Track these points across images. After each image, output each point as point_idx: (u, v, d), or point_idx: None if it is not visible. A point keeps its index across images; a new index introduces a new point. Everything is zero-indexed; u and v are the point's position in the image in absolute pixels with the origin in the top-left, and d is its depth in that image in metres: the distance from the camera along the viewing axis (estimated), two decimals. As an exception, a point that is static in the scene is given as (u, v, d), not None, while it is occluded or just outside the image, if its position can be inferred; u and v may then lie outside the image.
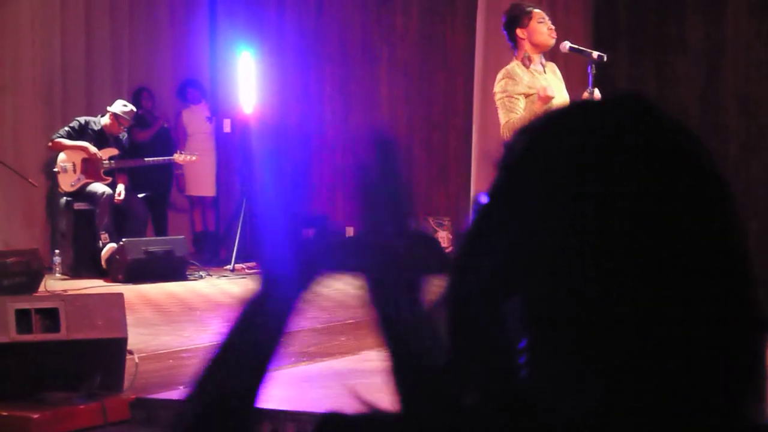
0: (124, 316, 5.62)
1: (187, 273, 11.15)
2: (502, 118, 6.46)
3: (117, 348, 5.55)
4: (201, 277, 11.21)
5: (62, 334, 5.38)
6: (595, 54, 6.44)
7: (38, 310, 5.38)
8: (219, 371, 1.35)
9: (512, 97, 6.41)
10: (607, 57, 6.50)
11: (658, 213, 0.96)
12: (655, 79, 10.34)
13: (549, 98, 6.26)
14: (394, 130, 12.34)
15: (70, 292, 8.66)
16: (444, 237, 11.96)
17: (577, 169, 0.99)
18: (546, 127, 1.04)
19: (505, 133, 6.42)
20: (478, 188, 10.27)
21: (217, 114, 13.10)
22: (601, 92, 6.52)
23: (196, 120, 12.98)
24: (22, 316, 5.32)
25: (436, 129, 12.12)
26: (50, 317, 5.38)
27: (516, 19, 6.55)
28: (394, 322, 1.30)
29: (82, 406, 5.34)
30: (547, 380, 0.99)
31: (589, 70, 6.41)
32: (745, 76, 9.97)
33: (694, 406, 0.96)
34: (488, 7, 10.21)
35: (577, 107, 1.08)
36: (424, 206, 12.13)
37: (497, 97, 6.49)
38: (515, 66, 6.49)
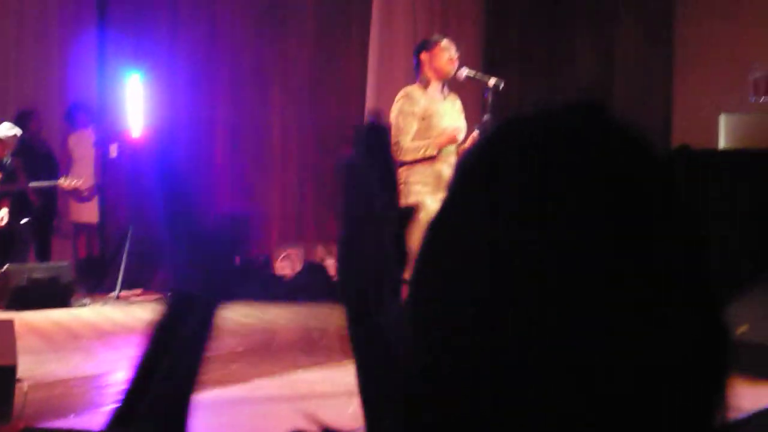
0: (14, 342, 5.46)
1: (71, 300, 10.92)
2: (393, 137, 6.44)
3: (6, 376, 5.39)
4: (85, 305, 10.99)
5: (-53, 362, 5.20)
6: (492, 80, 6.46)
7: None
8: (137, 402, 1.31)
9: (406, 116, 6.42)
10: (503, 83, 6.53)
11: (610, 229, 0.94)
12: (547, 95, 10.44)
13: (454, 140, 6.35)
14: (284, 156, 12.30)
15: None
16: (332, 264, 11.90)
17: (525, 184, 0.96)
18: (498, 137, 1.03)
19: (398, 155, 6.41)
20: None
21: (104, 138, 12.88)
22: (495, 118, 6.56)
23: (82, 144, 12.74)
24: None
25: (328, 155, 12.07)
26: (-66, 345, 5.20)
27: (425, 44, 6.63)
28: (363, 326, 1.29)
29: (-33, 437, 5.17)
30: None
31: (485, 96, 6.44)
32: (633, 96, 10.14)
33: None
34: (381, 33, 10.25)
35: (531, 116, 1.05)
36: (313, 234, 12.09)
37: (392, 116, 6.48)
38: (414, 88, 6.52)
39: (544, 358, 0.92)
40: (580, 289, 0.93)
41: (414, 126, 6.51)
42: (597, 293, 0.93)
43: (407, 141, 6.45)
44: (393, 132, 6.44)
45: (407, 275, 1.27)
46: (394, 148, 6.34)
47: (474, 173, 1.00)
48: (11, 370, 5.44)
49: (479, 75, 6.51)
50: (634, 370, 0.93)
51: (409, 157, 6.44)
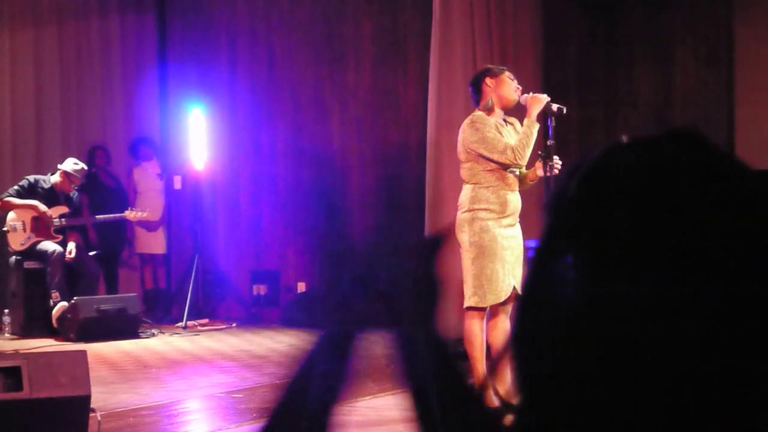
0: (88, 373, 5.56)
1: (139, 331, 11.06)
2: (489, 153, 6.40)
3: (80, 406, 5.49)
4: (153, 335, 11.12)
5: (25, 393, 5.30)
6: (555, 106, 6.48)
7: (1, 369, 5.30)
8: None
9: (490, 128, 6.43)
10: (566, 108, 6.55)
11: (726, 253, 0.91)
12: (605, 132, 10.45)
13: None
14: (346, 186, 12.37)
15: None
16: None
17: (637, 208, 0.95)
18: (601, 167, 1.01)
19: (507, 154, 6.38)
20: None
21: (167, 171, 13.06)
22: (557, 144, 6.58)
23: (146, 177, 12.93)
24: (-16, 375, 5.25)
25: (391, 183, 12.14)
26: (12, 376, 5.31)
27: (488, 71, 6.63)
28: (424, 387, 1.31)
29: (45, 466, 5.27)
30: None
31: (548, 123, 6.46)
32: (694, 119, 10.11)
33: None
34: (440, 62, 10.30)
35: (631, 145, 1.04)
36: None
37: (468, 143, 6.46)
38: (480, 114, 6.53)
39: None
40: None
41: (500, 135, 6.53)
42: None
43: (515, 143, 6.42)
44: (487, 147, 6.41)
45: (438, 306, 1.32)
46: (500, 157, 6.34)
47: (579, 205, 0.98)
48: (85, 399, 5.53)
49: (555, 106, 6.49)
50: None
51: (525, 155, 6.39)
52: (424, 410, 1.31)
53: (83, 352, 5.79)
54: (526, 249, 6.67)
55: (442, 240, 1.39)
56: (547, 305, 0.96)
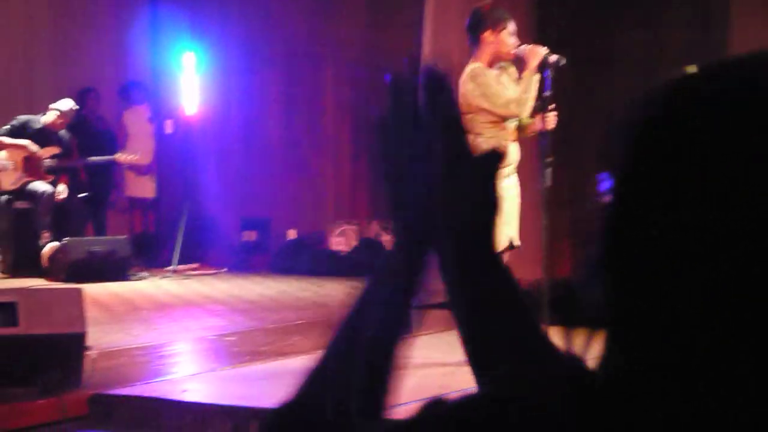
0: (83, 311, 5.57)
1: (129, 273, 11.07)
2: (492, 107, 6.39)
3: (76, 343, 5.50)
4: (143, 278, 11.13)
5: (20, 329, 5.31)
6: (553, 57, 6.46)
7: (-4, 304, 5.32)
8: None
9: (491, 87, 6.41)
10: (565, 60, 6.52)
11: None
12: (597, 90, 10.46)
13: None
14: (338, 137, 12.36)
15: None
16: (388, 240, 11.95)
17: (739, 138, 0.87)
18: (686, 93, 0.94)
19: (510, 107, 6.38)
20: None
21: (158, 115, 13.02)
22: (556, 95, 6.57)
23: (137, 121, 12.88)
24: (-21, 310, 5.26)
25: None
26: (8, 311, 5.32)
27: (488, 21, 6.55)
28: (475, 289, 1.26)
29: (40, 402, 5.28)
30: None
31: (546, 74, 6.44)
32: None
33: None
34: (436, 12, 10.26)
35: (722, 66, 0.96)
36: (369, 209, 12.16)
37: (471, 97, 6.44)
38: (480, 67, 6.50)
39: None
40: None
41: (508, 86, 6.51)
42: None
43: (517, 95, 6.41)
44: (490, 101, 6.40)
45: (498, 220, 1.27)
46: (503, 110, 6.33)
47: (659, 143, 0.91)
48: (81, 337, 5.55)
49: (553, 57, 6.47)
50: None
51: (527, 107, 6.39)
52: None
53: (78, 290, 5.80)
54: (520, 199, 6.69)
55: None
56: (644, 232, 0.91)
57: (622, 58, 10.55)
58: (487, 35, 6.52)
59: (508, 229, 6.47)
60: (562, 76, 6.75)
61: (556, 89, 6.66)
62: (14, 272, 10.92)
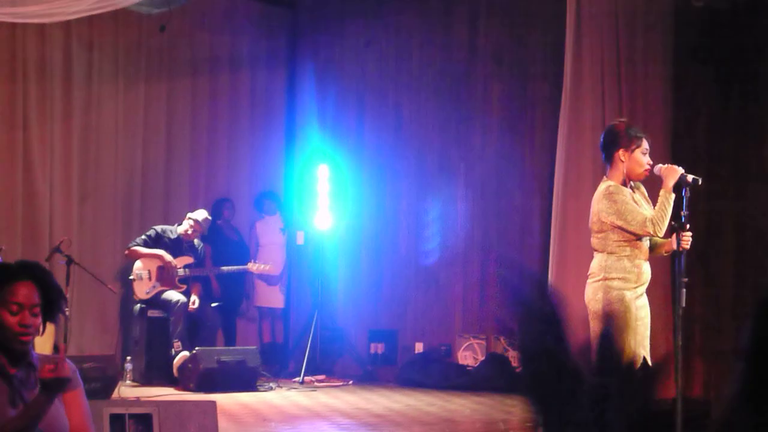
0: (216, 424, 5.62)
1: (257, 384, 11.15)
2: (628, 225, 6.35)
3: (208, 456, 5.54)
4: (271, 389, 11.20)
5: (155, 441, 5.38)
6: (690, 177, 6.42)
7: (132, 416, 5.39)
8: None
9: (626, 205, 6.38)
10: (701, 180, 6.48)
11: None
12: (734, 206, 10.32)
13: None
14: (469, 248, 12.37)
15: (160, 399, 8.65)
16: (515, 356, 11.88)
17: None
18: None
19: (646, 226, 6.34)
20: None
21: (290, 226, 13.20)
22: (689, 216, 6.51)
23: (269, 231, 13.08)
24: (117, 421, 5.33)
25: (512, 247, 12.12)
26: (144, 423, 5.39)
27: (623, 139, 6.55)
28: None
29: None
30: None
31: (683, 194, 6.40)
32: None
33: None
34: (569, 127, 10.28)
35: None
36: (497, 325, 12.09)
37: (605, 215, 6.41)
38: (615, 185, 6.48)
39: None
40: None
41: (643, 207, 6.49)
42: None
43: (652, 214, 6.38)
44: (625, 219, 6.37)
45: None
46: (639, 229, 6.30)
47: None
48: (213, 450, 5.59)
49: (689, 177, 6.44)
50: None
51: (663, 227, 6.36)
52: None
53: (212, 403, 5.86)
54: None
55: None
56: None
57: (758, 174, 10.41)
58: (621, 153, 6.51)
59: (641, 350, 6.38)
60: (698, 195, 6.71)
61: (692, 209, 6.61)
62: (145, 380, 11.08)
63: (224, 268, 11.92)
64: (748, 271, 10.42)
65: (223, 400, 10.11)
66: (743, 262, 10.47)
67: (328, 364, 12.62)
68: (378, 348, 12.79)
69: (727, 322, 10.58)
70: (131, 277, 11.47)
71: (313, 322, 12.21)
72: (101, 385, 9.13)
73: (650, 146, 6.73)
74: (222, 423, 8.56)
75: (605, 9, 10.28)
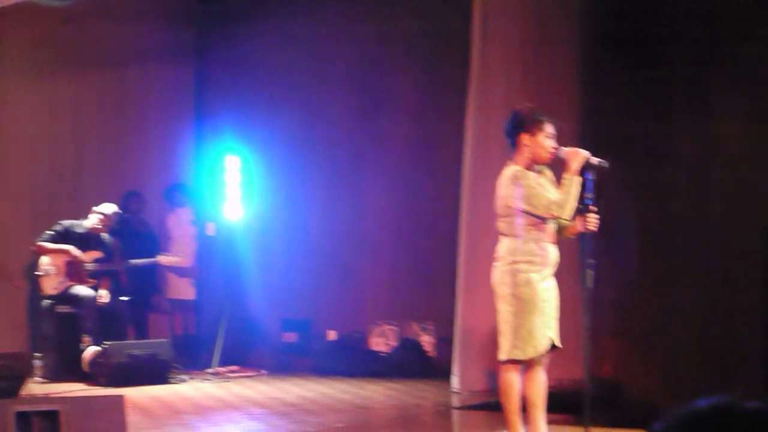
0: (125, 418, 5.56)
1: (170, 376, 11.06)
2: (533, 209, 6.37)
3: (117, 451, 5.48)
4: (183, 381, 11.12)
5: (62, 437, 5.30)
6: (595, 160, 6.48)
7: (38, 413, 5.31)
8: None
9: (531, 189, 6.41)
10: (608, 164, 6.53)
11: None
12: (643, 188, 10.43)
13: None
14: (379, 232, 12.39)
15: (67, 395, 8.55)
16: (428, 341, 11.93)
17: None
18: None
19: (551, 209, 6.37)
20: (465, 292, 10.31)
21: (201, 218, 13.11)
22: (596, 199, 6.56)
23: (180, 223, 12.98)
24: (22, 419, 5.25)
25: (422, 235, 12.17)
26: (50, 420, 5.32)
27: (526, 124, 6.58)
28: None
29: None
30: None
31: (587, 176, 6.44)
32: (736, 182, 10.07)
33: None
34: (477, 112, 10.32)
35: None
36: (408, 310, 12.13)
37: (510, 199, 6.43)
38: (520, 169, 6.50)
39: None
40: None
41: (548, 190, 6.52)
42: None
43: (556, 197, 6.40)
44: (530, 203, 6.39)
45: None
46: (544, 212, 6.34)
47: None
48: (122, 445, 5.53)
49: (595, 160, 6.49)
50: None
51: (568, 210, 6.38)
52: None
53: (120, 398, 5.80)
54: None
55: None
56: None
57: (669, 155, 10.53)
58: (525, 137, 6.54)
59: (549, 331, 6.43)
60: (607, 177, 6.76)
61: (598, 191, 6.66)
62: (55, 377, 10.94)
63: (134, 261, 11.80)
64: (657, 252, 10.55)
65: (135, 394, 10.02)
66: (653, 243, 10.60)
67: (241, 354, 12.56)
68: (291, 337, 12.76)
69: (638, 303, 10.71)
70: (39, 273, 11.31)
71: (225, 313, 12.13)
72: (10, 383, 8.98)
73: (556, 130, 6.76)
74: (134, 417, 8.48)
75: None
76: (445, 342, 11.18)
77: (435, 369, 11.47)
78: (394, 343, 12.12)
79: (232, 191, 12.72)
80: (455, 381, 10.34)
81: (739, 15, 10.06)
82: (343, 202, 12.65)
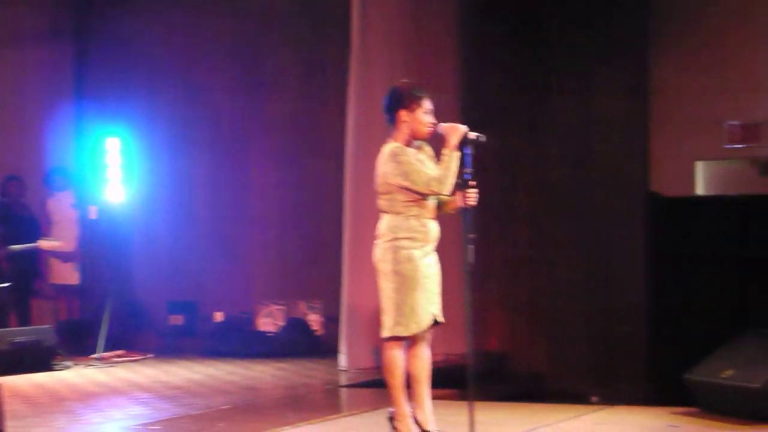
0: (2, 408, 5.44)
1: (54, 363, 10.88)
2: (412, 185, 6.36)
3: (-7, 440, 5.36)
4: (68, 367, 10.95)
5: (-65, 427, 5.18)
6: (473, 135, 6.48)
7: None
8: None
9: (410, 165, 6.39)
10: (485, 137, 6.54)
11: None
12: (526, 161, 10.54)
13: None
14: (265, 213, 12.33)
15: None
16: (315, 320, 11.93)
17: None
18: None
19: (431, 185, 6.35)
20: (351, 270, 10.30)
21: (83, 201, 12.89)
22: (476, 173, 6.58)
23: (61, 207, 12.73)
24: None
25: (308, 214, 12.14)
26: None
27: (404, 100, 6.55)
28: None
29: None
30: None
31: (466, 151, 6.45)
32: (612, 147, 10.23)
33: None
34: (358, 90, 10.30)
35: None
36: (296, 290, 12.11)
37: (390, 176, 6.41)
38: (398, 146, 6.49)
39: None
40: None
41: (427, 164, 6.51)
42: None
43: (437, 173, 6.39)
44: (410, 179, 6.37)
45: None
46: (423, 189, 6.32)
47: None
48: (-1, 433, 5.42)
49: (472, 135, 6.49)
50: None
51: (448, 185, 6.38)
52: None
53: (-3, 385, 5.67)
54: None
55: None
56: None
57: (551, 126, 10.64)
58: (403, 114, 6.51)
59: (431, 307, 6.44)
60: (487, 151, 6.78)
61: (477, 166, 6.67)
62: (-66, 365, 10.69)
63: (14, 247, 11.58)
64: (543, 225, 10.67)
65: (18, 381, 9.86)
66: (538, 216, 10.72)
67: (127, 338, 12.41)
68: (178, 320, 12.65)
69: (523, 275, 10.82)
70: None
71: (110, 298, 11.97)
72: None
73: (435, 105, 6.76)
74: (16, 406, 8.35)
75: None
76: (332, 321, 11.19)
77: (322, 348, 11.47)
78: (281, 322, 12.09)
79: (113, 174, 12.53)
80: (342, 359, 10.35)
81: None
82: (227, 182, 12.57)
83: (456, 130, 6.45)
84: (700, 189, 9.40)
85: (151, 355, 11.89)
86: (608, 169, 10.33)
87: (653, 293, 9.73)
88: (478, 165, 6.65)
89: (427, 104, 6.58)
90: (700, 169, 9.36)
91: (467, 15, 10.50)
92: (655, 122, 10.29)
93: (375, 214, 7.01)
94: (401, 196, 6.45)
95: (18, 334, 10.82)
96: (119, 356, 11.76)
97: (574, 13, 10.49)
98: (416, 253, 6.39)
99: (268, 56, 12.38)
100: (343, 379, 9.86)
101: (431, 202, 6.54)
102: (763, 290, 8.86)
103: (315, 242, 12.07)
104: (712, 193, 9.35)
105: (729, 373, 7.21)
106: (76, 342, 12.27)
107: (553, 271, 10.60)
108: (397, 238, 6.41)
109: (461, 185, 6.47)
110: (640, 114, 10.32)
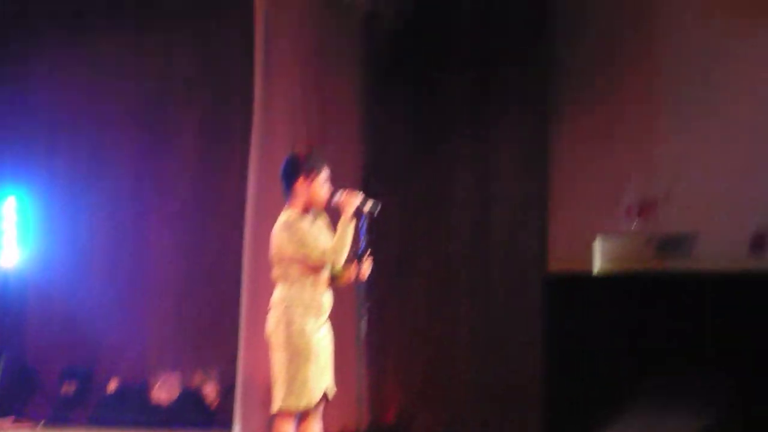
0: None
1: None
2: (306, 257, 6.30)
3: None
4: (-46, 435, 10.68)
5: None
6: (367, 206, 6.46)
7: None
8: None
9: (305, 237, 6.34)
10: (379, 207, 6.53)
11: None
12: (424, 231, 10.53)
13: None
14: (161, 281, 12.16)
15: None
16: (211, 390, 11.76)
17: None
18: None
19: (325, 256, 6.30)
20: (247, 340, 10.15)
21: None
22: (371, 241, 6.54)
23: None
24: None
25: (205, 281, 12.00)
26: None
27: (302, 169, 6.52)
28: None
29: None
30: None
31: (361, 222, 6.43)
32: (510, 220, 10.27)
33: None
34: (261, 158, 10.24)
35: None
36: (192, 359, 11.93)
37: (284, 247, 6.35)
38: (294, 216, 6.44)
39: None
40: None
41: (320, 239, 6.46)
42: None
43: (331, 245, 6.34)
44: (305, 251, 6.31)
45: None
46: (317, 261, 6.24)
47: None
48: None
49: (368, 205, 6.47)
50: None
51: (342, 256, 6.33)
52: None
53: None
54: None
55: None
56: None
57: (449, 197, 10.65)
58: (300, 183, 6.49)
59: (323, 381, 6.37)
60: (385, 220, 6.75)
61: (373, 236, 6.64)
62: None
63: None
64: (440, 295, 10.64)
65: None
66: (435, 286, 10.69)
67: (18, 405, 12.11)
68: (71, 387, 12.38)
69: (420, 346, 10.76)
70: None
71: (1, 363, 11.69)
72: None
73: (336, 173, 6.74)
74: None
75: (295, 33, 10.32)
76: (228, 390, 11.01)
77: (217, 418, 11.28)
78: (176, 392, 11.89)
79: (9, 236, 12.30)
80: (237, 430, 10.18)
81: (512, 39, 10.33)
82: (125, 246, 12.38)
83: (350, 201, 6.42)
84: (598, 265, 9.44)
85: (43, 422, 11.62)
86: (505, 243, 10.35)
87: (548, 374, 9.69)
88: (374, 235, 6.63)
89: (324, 173, 6.56)
90: (598, 245, 9.40)
91: (370, 76, 10.54)
92: (554, 198, 10.36)
93: (272, 282, 6.94)
94: (295, 267, 6.40)
95: None
96: (9, 424, 11.48)
97: (472, 61, 10.58)
98: (308, 326, 6.33)
99: (170, 119, 12.27)
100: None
101: (325, 274, 6.49)
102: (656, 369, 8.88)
103: (212, 309, 11.91)
104: (609, 269, 9.39)
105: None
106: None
107: (450, 346, 10.56)
108: (289, 309, 6.34)
109: (356, 257, 6.45)
110: (538, 188, 10.38)
